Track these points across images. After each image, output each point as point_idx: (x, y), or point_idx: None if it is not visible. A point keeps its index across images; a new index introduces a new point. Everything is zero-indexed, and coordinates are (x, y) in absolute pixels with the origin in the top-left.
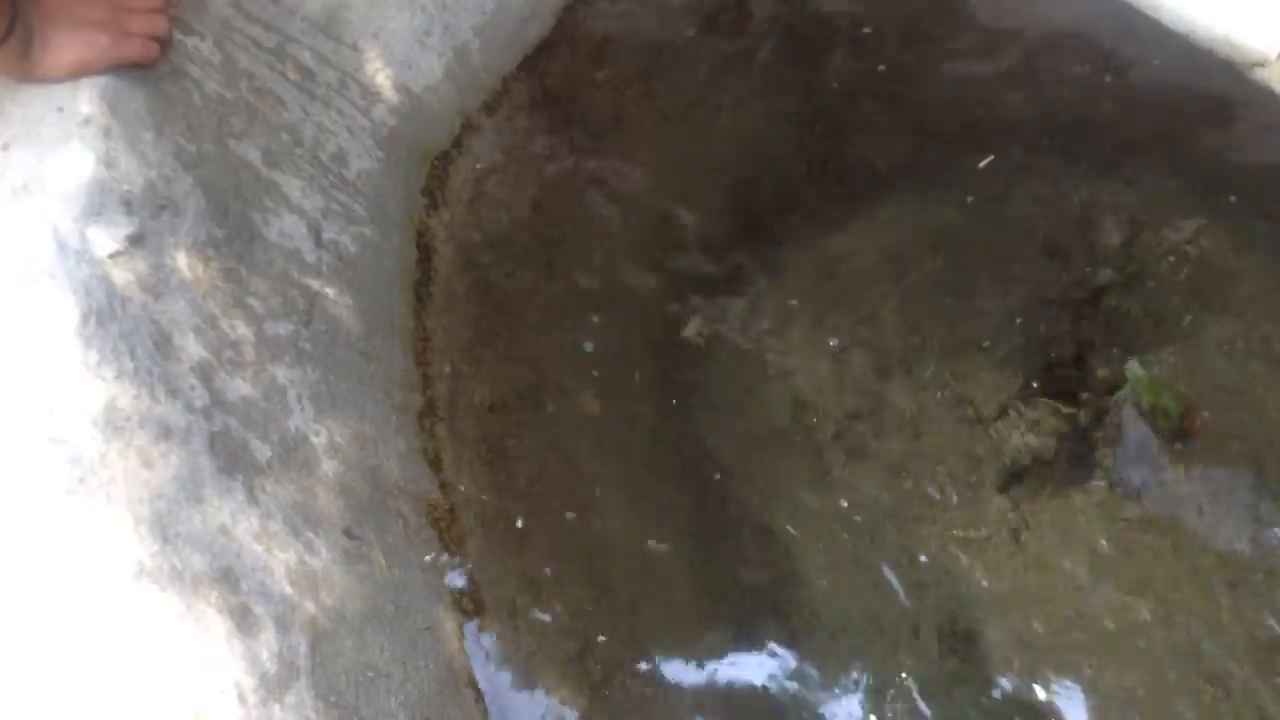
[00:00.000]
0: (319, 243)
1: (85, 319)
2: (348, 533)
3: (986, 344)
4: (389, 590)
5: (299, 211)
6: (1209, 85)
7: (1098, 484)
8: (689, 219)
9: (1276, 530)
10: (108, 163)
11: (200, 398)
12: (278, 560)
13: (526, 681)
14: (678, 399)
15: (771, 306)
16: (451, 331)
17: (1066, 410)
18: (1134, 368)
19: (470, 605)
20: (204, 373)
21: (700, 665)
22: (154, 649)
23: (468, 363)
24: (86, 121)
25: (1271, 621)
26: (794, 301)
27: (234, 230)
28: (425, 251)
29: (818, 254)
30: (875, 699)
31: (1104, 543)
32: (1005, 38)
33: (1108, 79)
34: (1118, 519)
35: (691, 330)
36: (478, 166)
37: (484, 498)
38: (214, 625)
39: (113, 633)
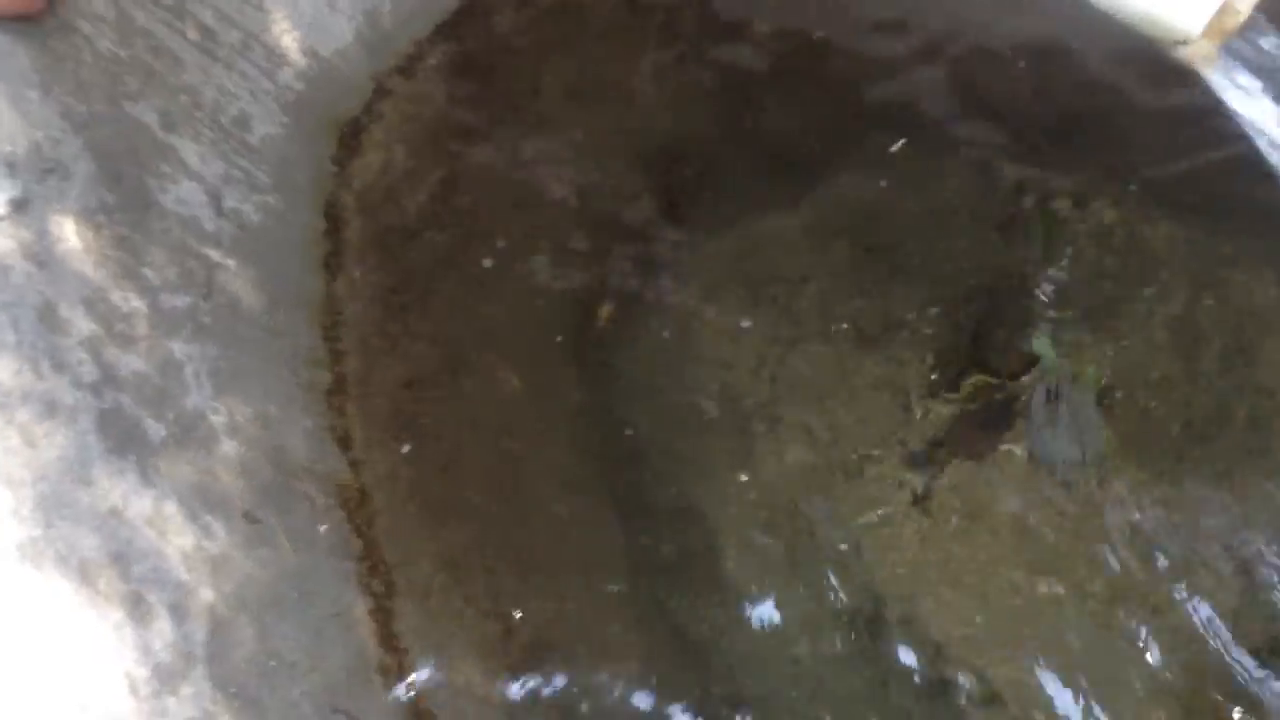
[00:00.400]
0: (219, 211)
1: None
2: (249, 516)
3: (909, 320)
4: (293, 575)
5: (198, 178)
6: (1130, 65)
7: (1014, 457)
8: (607, 195)
9: (1176, 499)
10: None
11: (89, 373)
12: (173, 545)
13: (443, 666)
14: (599, 377)
15: (692, 285)
16: (363, 306)
17: (986, 385)
18: (1042, 344)
19: (381, 588)
20: (93, 347)
21: (622, 644)
22: (37, 637)
23: (380, 338)
24: None
25: (1180, 594)
26: (714, 279)
27: (127, 196)
28: (335, 222)
29: (739, 231)
30: (792, 671)
31: (1015, 514)
32: (923, 15)
33: (1022, 63)
34: (1030, 491)
35: (605, 313)
36: (390, 135)
37: (397, 477)
38: (103, 613)
39: None
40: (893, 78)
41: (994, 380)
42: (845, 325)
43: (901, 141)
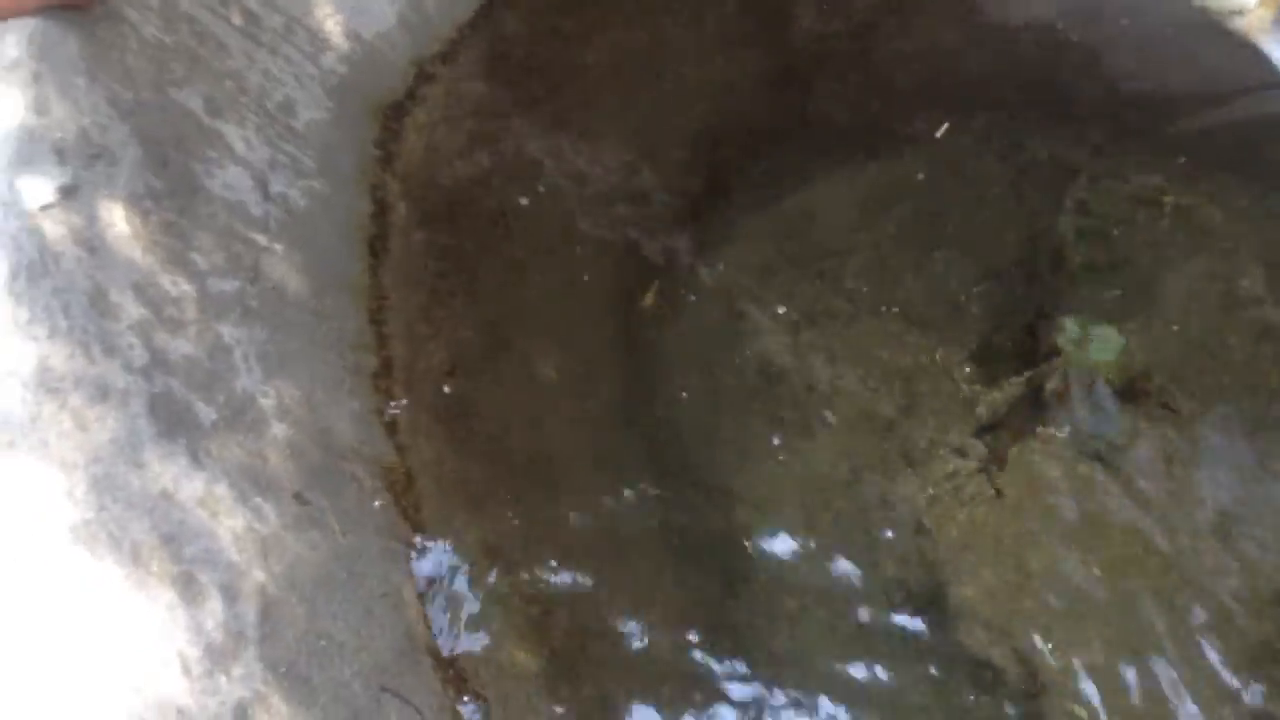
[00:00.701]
0: (266, 196)
1: (15, 274)
2: (299, 497)
3: (955, 299)
4: (343, 556)
5: (244, 163)
6: (1181, 39)
7: (1059, 438)
8: (651, 176)
9: (1213, 487)
10: (38, 109)
11: (140, 357)
12: (224, 526)
13: (488, 646)
14: (641, 361)
15: (735, 266)
16: (408, 291)
17: (1029, 365)
18: (1069, 329)
19: (430, 570)
20: (143, 331)
21: (662, 627)
22: (91, 619)
23: (425, 323)
24: (14, 65)
25: (1231, 573)
26: (758, 261)
27: (174, 182)
28: (379, 206)
29: (783, 212)
30: (839, 657)
31: (1064, 494)
32: None
33: (1071, 37)
34: (1076, 476)
35: (650, 297)
36: (433, 118)
37: (442, 461)
38: (156, 594)
39: (45, 602)
40: (939, 56)
41: (1041, 360)
42: (891, 303)
43: (945, 126)
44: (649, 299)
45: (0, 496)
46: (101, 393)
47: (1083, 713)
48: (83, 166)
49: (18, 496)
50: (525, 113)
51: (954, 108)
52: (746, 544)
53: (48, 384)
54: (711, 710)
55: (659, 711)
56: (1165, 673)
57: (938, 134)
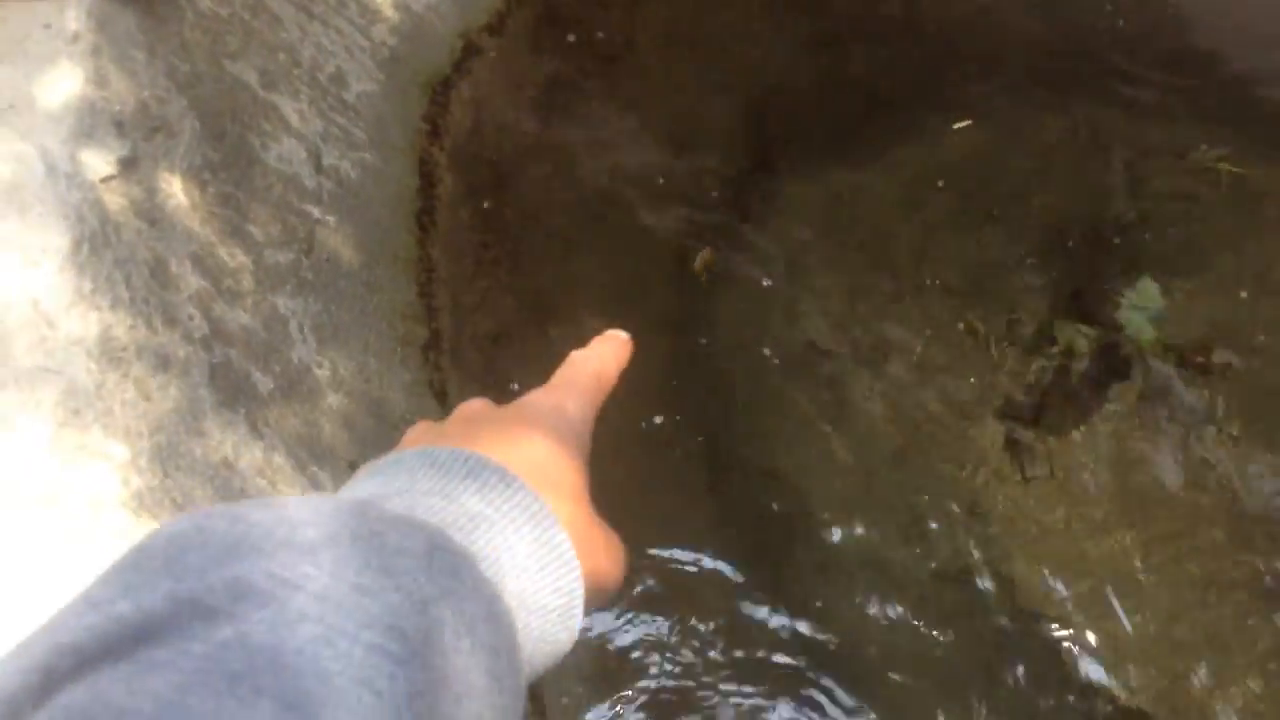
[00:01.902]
0: (319, 168)
1: (78, 246)
2: (353, 467)
3: (1005, 273)
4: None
5: (298, 135)
6: (1243, 5)
7: (1115, 415)
8: (698, 149)
9: (1275, 460)
10: (98, 82)
11: (199, 328)
12: (283, 494)
13: None
14: (688, 332)
15: (783, 236)
16: (455, 262)
17: (1080, 339)
18: (1127, 300)
19: None
20: (202, 302)
21: (711, 604)
22: None
23: (471, 293)
24: (75, 38)
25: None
26: (804, 234)
27: (231, 154)
28: (427, 179)
29: (830, 183)
30: (890, 632)
31: (1117, 473)
32: None
33: (1131, 4)
34: (1131, 449)
35: (699, 263)
36: (480, 91)
37: None
38: None
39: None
40: (990, 23)
41: (1093, 336)
42: (939, 277)
43: (967, 123)
44: (699, 264)
45: (69, 464)
46: (163, 362)
47: (1134, 687)
48: (142, 139)
49: (86, 464)
50: (571, 85)
51: (1005, 75)
52: (794, 521)
53: (111, 353)
54: (763, 687)
55: (708, 690)
56: (1222, 654)
57: (956, 126)
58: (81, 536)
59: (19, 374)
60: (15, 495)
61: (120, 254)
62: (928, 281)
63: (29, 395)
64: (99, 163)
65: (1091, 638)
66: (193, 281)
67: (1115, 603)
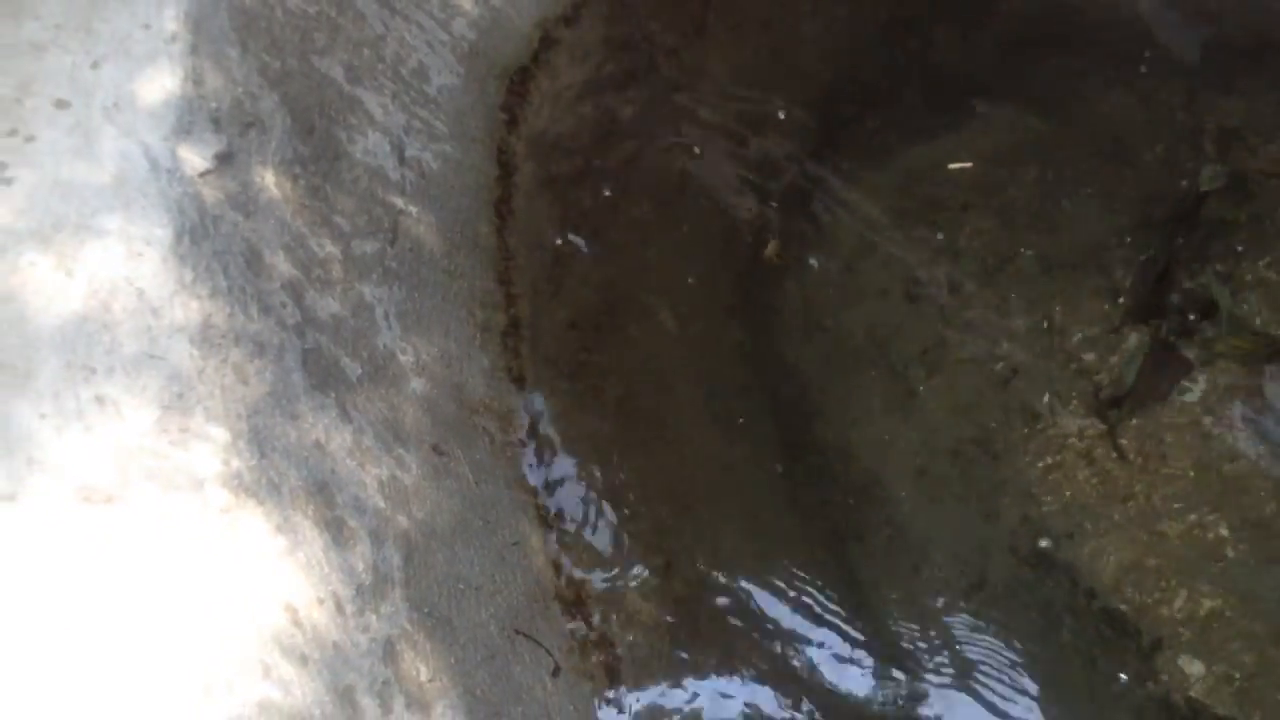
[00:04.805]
0: (402, 160)
1: (179, 237)
2: (436, 449)
3: (1080, 254)
4: (477, 505)
5: (382, 128)
6: None
7: (1192, 398)
8: (770, 133)
9: None
10: (195, 80)
11: (292, 315)
12: (370, 475)
13: (614, 596)
14: (760, 318)
15: (856, 222)
16: (533, 250)
17: (1161, 327)
18: (1215, 286)
19: (557, 522)
20: (294, 290)
21: (783, 584)
22: (256, 560)
23: (549, 281)
24: (173, 39)
25: None
26: (876, 216)
27: (319, 148)
28: (506, 169)
29: (904, 167)
30: (958, 615)
31: (1195, 456)
32: None
33: None
34: (1205, 435)
35: (771, 250)
36: (556, 82)
37: (567, 414)
38: (311, 538)
39: (214, 545)
40: (1066, 3)
41: (1171, 317)
42: (1011, 260)
43: (967, 165)
44: (770, 251)
45: (175, 445)
46: (259, 348)
47: (1200, 669)
48: (237, 134)
49: (189, 446)
50: (644, 75)
51: (1080, 56)
52: (864, 500)
53: (211, 340)
54: (829, 659)
55: (778, 661)
56: None
57: (952, 166)
58: (185, 515)
59: (125, 360)
60: (124, 477)
61: (218, 245)
62: (998, 265)
63: (135, 380)
64: (197, 158)
65: (1170, 621)
66: (285, 270)
67: (1195, 585)
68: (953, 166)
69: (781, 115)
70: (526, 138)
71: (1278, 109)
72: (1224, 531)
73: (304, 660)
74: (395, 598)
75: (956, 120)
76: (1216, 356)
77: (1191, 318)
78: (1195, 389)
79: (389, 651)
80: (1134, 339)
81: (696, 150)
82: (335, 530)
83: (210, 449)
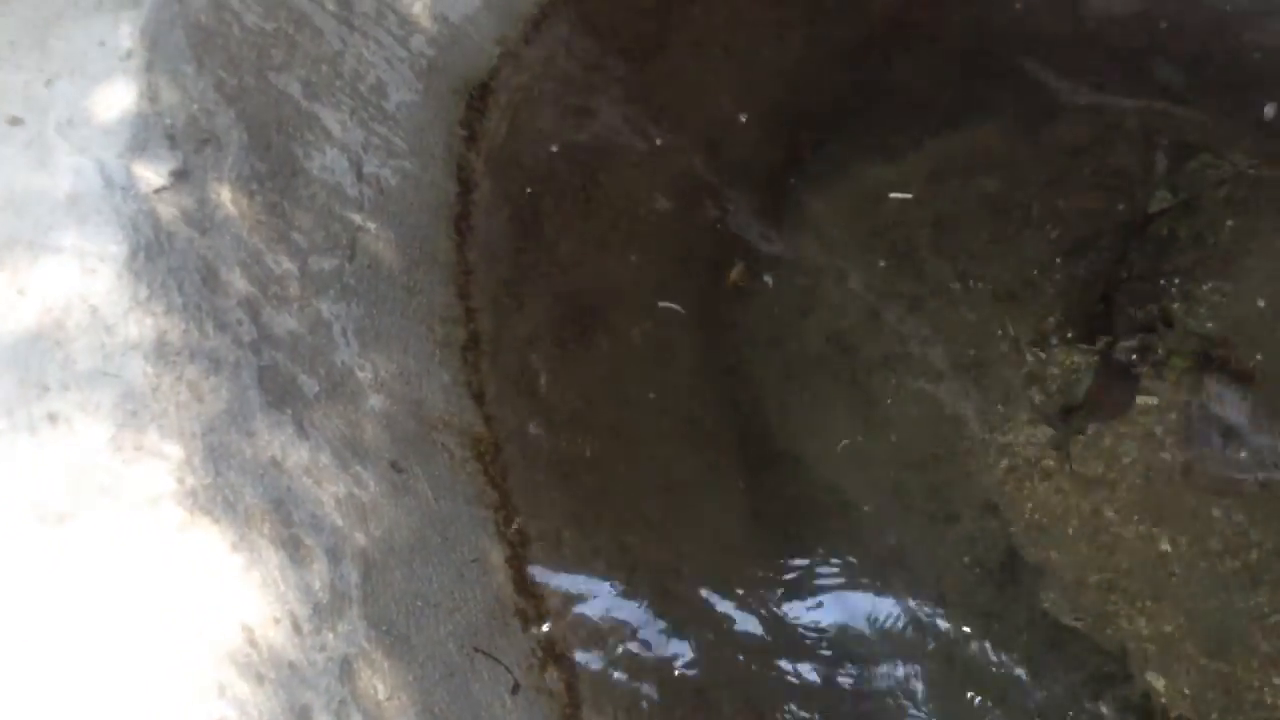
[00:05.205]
0: (360, 176)
1: (134, 254)
2: (394, 465)
3: (1034, 271)
4: (436, 522)
5: (340, 145)
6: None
7: (1145, 413)
8: (730, 151)
9: None
10: (150, 97)
11: (248, 332)
12: (328, 492)
13: (574, 611)
14: (719, 333)
15: (813, 240)
16: (492, 265)
17: (1111, 342)
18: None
19: (516, 537)
20: (251, 307)
21: (744, 594)
22: (211, 579)
23: (509, 296)
24: (128, 55)
25: None
26: (835, 235)
27: (276, 164)
28: (465, 185)
29: (861, 186)
30: (917, 628)
31: (1146, 470)
32: None
33: (1162, 9)
34: (1153, 449)
35: (736, 274)
36: (515, 98)
37: (527, 430)
38: (267, 556)
39: (169, 563)
40: (1022, 25)
41: (1123, 339)
42: (968, 276)
43: (907, 195)
44: (736, 275)
45: (127, 464)
46: (215, 365)
47: (1159, 683)
48: (193, 151)
49: (143, 463)
50: (605, 90)
51: (1036, 78)
52: (823, 513)
53: (166, 356)
54: (788, 669)
55: (740, 669)
56: (1247, 649)
57: (892, 195)
58: (139, 533)
59: (79, 377)
60: (77, 495)
61: (173, 262)
62: (955, 282)
63: (88, 397)
64: (152, 174)
65: (1124, 630)
66: (241, 287)
67: (1147, 596)
68: (893, 196)
69: (741, 135)
70: (486, 154)
71: (1222, 130)
72: (1173, 548)
73: (260, 679)
74: (353, 615)
75: (913, 141)
76: (1164, 371)
77: (1140, 334)
78: (1144, 403)
79: (346, 670)
80: (1083, 354)
81: (656, 166)
82: (292, 548)
83: (165, 466)
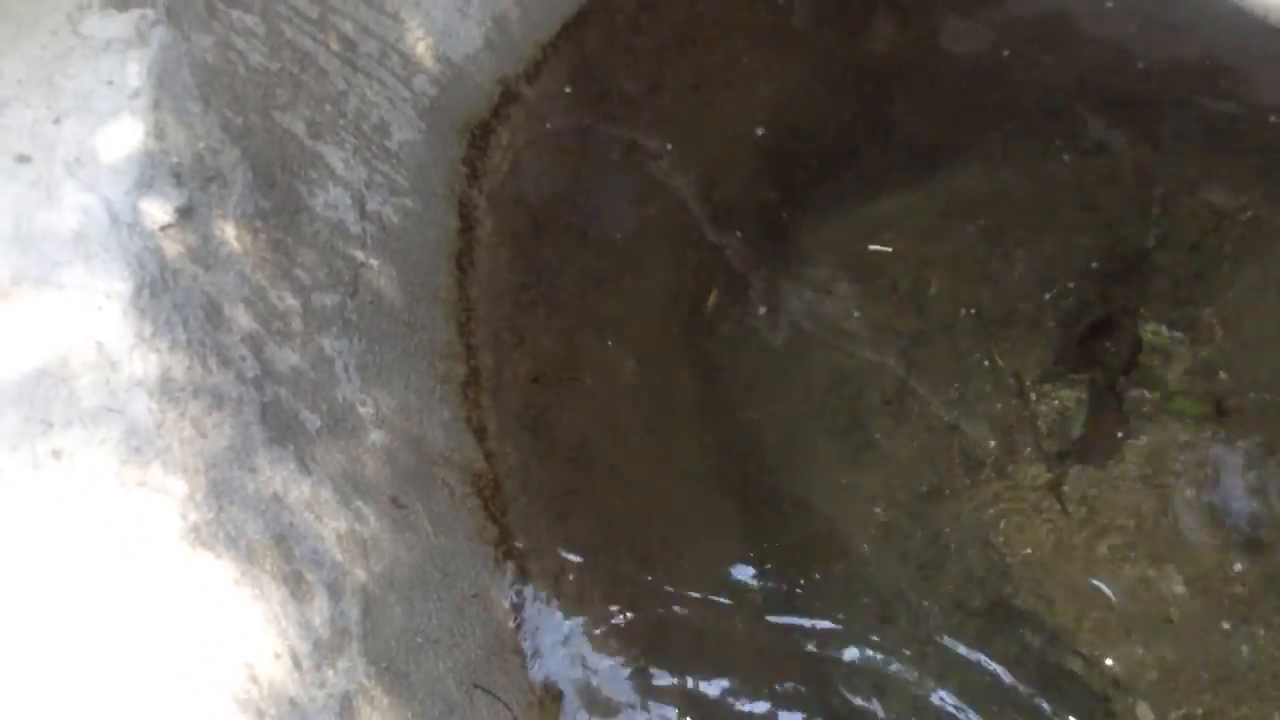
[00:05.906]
0: (363, 214)
1: (139, 290)
2: (395, 501)
3: (1028, 307)
4: (436, 558)
5: (343, 183)
6: (1250, 45)
7: (1136, 451)
8: (727, 189)
9: None
10: (157, 135)
11: (251, 368)
12: (329, 528)
13: (572, 648)
14: (717, 371)
15: (807, 276)
16: (493, 302)
17: (1105, 382)
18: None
19: (516, 573)
20: (254, 343)
21: (742, 626)
22: (212, 614)
23: (510, 332)
24: (136, 94)
25: None
26: (830, 271)
27: (281, 202)
28: (467, 222)
29: (855, 223)
30: (910, 665)
31: (1139, 508)
32: (1043, 5)
33: (1151, 47)
34: (1149, 489)
35: (712, 301)
36: (517, 137)
37: (527, 467)
38: (269, 591)
39: (171, 598)
40: (1014, 63)
41: (1118, 374)
42: (963, 312)
43: (888, 249)
44: (712, 302)
45: (132, 499)
46: (218, 401)
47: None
48: (198, 188)
49: (146, 499)
50: (604, 129)
51: (1029, 115)
52: (824, 554)
53: (170, 393)
54: (784, 708)
55: (737, 705)
56: (1245, 688)
57: (872, 246)
58: (142, 568)
59: (83, 413)
60: (80, 531)
61: (178, 298)
62: (951, 318)
63: (93, 433)
64: (158, 212)
65: (1120, 669)
66: (245, 323)
67: (1143, 635)
68: (873, 248)
69: (739, 173)
70: (488, 191)
71: (1216, 167)
72: (1167, 587)
73: (260, 715)
74: (353, 652)
75: (907, 178)
76: (1158, 410)
77: (1134, 372)
78: (1140, 443)
79: (346, 706)
80: (1077, 393)
81: (653, 205)
82: (293, 584)
83: (168, 502)
